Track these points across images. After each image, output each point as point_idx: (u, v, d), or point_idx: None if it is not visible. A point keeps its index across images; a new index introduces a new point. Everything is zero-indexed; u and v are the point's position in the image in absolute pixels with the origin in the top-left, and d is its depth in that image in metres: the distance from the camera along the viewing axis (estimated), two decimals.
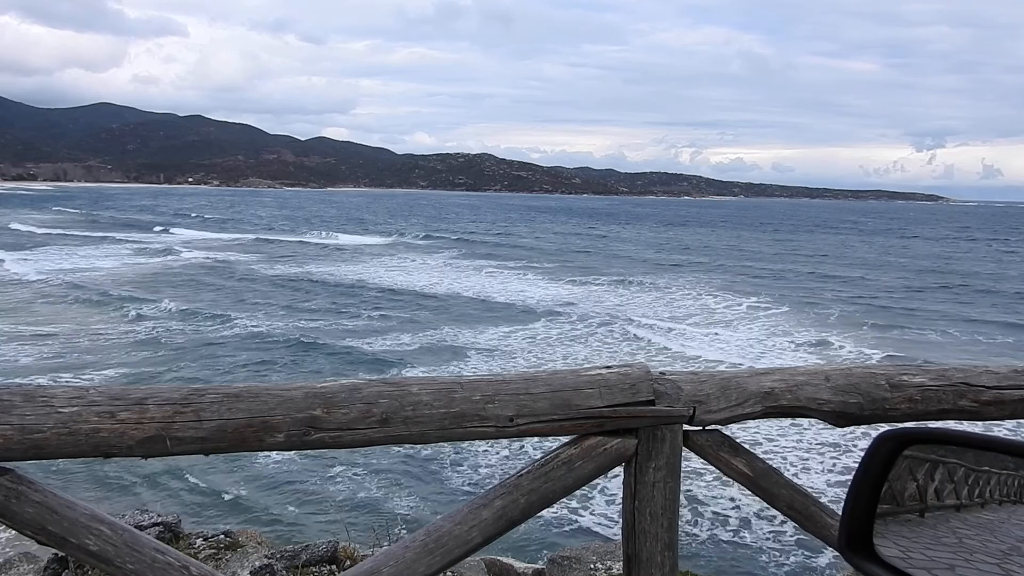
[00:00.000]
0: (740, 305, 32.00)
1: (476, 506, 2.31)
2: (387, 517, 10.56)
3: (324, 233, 76.21)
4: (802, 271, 48.62)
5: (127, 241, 59.80)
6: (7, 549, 6.45)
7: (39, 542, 2.19)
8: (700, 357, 22.42)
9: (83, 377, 18.21)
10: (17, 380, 16.21)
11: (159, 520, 5.03)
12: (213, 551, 4.73)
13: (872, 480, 1.54)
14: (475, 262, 50.53)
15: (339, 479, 12.92)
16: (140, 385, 2.20)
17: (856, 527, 1.52)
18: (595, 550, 5.77)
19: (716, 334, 26.36)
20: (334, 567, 4.46)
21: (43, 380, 17.13)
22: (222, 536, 5.06)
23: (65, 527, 2.05)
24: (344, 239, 69.53)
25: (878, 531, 1.53)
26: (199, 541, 5.03)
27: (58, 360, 20.41)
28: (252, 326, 26.24)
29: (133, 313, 27.66)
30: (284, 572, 4.27)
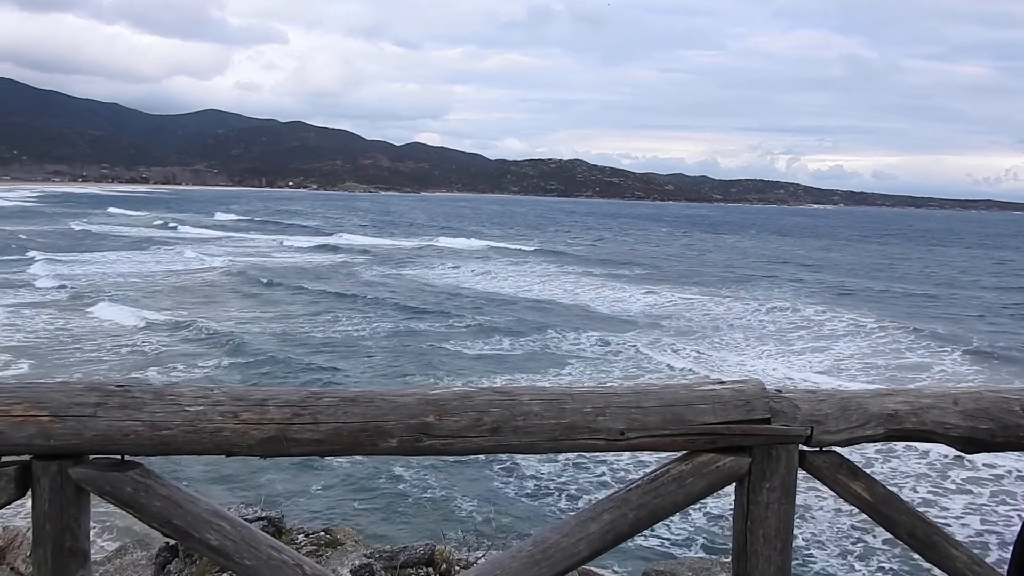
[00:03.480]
0: (843, 319, 30.87)
1: (584, 519, 2.29)
2: (477, 521, 10.61)
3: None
4: (910, 287, 46.53)
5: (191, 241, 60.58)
6: (122, 534, 6.77)
7: (163, 534, 2.28)
8: (807, 374, 21.76)
9: None
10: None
11: (263, 515, 5.17)
12: (314, 547, 4.84)
13: None
14: (567, 267, 50.50)
15: (406, 478, 13.04)
16: (260, 387, 2.27)
17: None
18: (690, 565, 5.65)
19: (823, 349, 25.57)
20: (431, 569, 4.50)
21: None
22: (322, 533, 5.17)
23: (188, 521, 2.13)
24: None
25: None
26: (300, 537, 5.15)
27: None
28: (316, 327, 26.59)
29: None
30: (383, 572, 4.33)
